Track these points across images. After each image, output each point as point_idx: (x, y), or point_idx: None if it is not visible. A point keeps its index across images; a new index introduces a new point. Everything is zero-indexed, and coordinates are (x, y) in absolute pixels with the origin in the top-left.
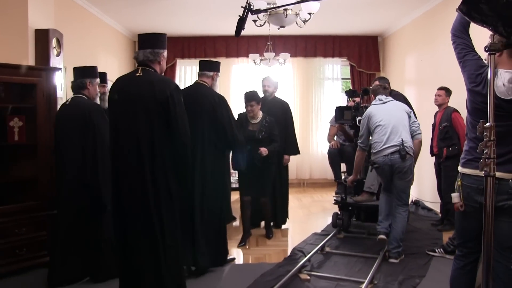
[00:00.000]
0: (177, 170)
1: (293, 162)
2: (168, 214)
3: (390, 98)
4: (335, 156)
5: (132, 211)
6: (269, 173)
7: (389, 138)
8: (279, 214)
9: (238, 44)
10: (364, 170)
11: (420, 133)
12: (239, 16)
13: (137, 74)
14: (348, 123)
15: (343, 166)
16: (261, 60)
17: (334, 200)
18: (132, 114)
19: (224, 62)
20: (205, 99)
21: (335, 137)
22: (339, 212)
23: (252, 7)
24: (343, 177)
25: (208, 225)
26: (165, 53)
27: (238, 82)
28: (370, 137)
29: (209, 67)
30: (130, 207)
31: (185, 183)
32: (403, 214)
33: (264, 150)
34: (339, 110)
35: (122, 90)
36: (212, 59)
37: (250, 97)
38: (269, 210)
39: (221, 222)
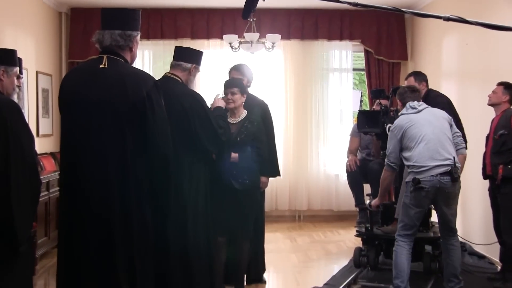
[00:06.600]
0: (155, 194)
1: (284, 188)
2: (143, 260)
3: (424, 104)
4: (357, 176)
5: (92, 255)
6: (253, 202)
7: (436, 155)
8: (254, 262)
9: (209, 21)
10: (395, 193)
11: (465, 147)
12: None
13: (101, 66)
14: (375, 131)
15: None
16: (240, 43)
17: (357, 231)
18: (95, 121)
19: (189, 45)
20: (172, 100)
21: (358, 152)
22: (362, 247)
23: None
24: (367, 202)
25: (193, 265)
26: (138, 37)
27: (208, 74)
28: (405, 154)
29: (187, 57)
30: (89, 250)
31: (165, 210)
32: (456, 245)
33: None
34: (363, 115)
35: (80, 88)
36: (175, 43)
37: (231, 83)
38: (246, 260)
39: (210, 260)
